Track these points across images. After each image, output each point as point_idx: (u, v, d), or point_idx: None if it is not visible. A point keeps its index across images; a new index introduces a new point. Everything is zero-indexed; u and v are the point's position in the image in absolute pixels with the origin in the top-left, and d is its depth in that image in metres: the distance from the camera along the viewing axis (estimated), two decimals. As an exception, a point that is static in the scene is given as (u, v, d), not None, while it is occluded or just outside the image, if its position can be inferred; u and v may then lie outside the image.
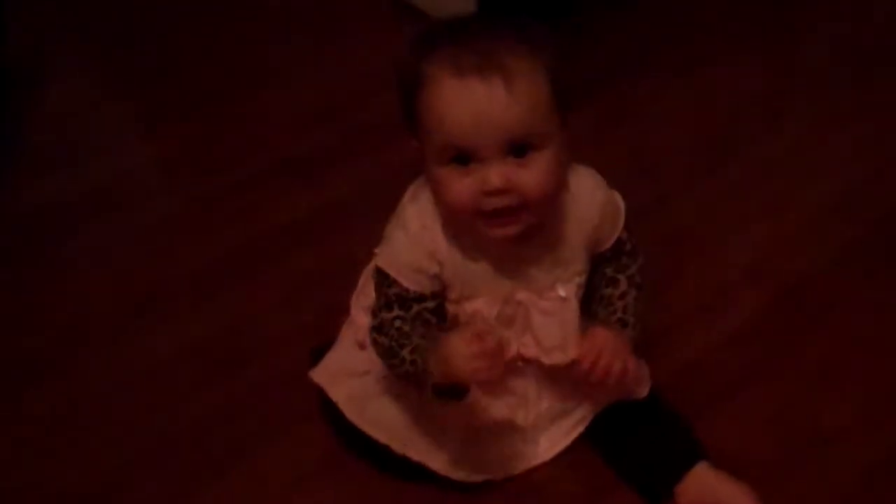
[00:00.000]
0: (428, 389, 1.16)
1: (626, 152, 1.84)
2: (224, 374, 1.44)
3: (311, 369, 1.33)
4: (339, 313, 1.35)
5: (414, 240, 1.14)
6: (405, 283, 1.15)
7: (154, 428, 1.37)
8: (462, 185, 1.08)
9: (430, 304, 1.16)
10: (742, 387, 1.42)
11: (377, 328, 1.18)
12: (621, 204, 1.22)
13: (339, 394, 1.29)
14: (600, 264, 1.23)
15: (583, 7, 2.17)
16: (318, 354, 1.35)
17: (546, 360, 1.20)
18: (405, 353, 1.14)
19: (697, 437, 1.29)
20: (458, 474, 1.26)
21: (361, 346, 1.26)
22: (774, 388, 1.43)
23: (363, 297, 1.28)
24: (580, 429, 1.30)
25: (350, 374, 1.28)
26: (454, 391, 1.15)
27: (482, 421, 1.22)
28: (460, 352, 1.07)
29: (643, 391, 1.28)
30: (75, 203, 1.76)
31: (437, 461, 1.25)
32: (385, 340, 1.16)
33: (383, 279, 1.17)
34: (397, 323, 1.15)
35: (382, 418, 1.26)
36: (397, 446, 1.25)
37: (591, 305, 1.23)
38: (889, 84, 2.02)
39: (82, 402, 1.41)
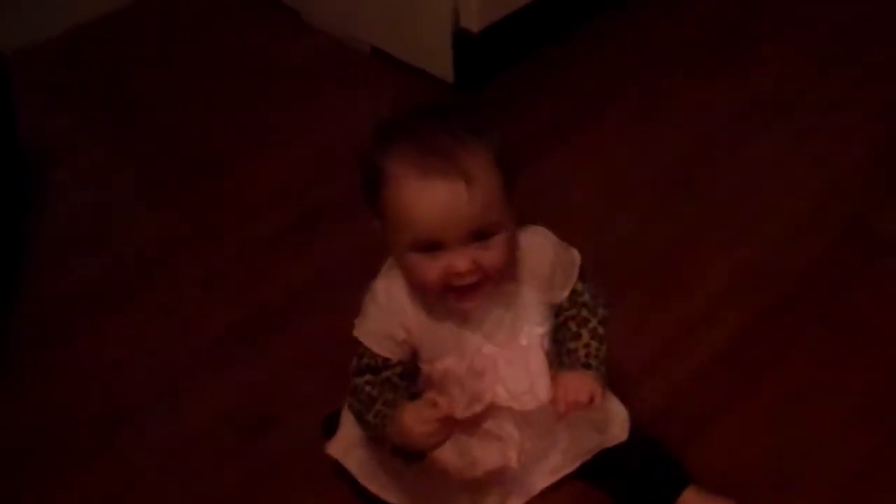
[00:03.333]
0: (388, 449, 1.28)
1: (600, 188, 1.92)
2: (245, 445, 1.52)
3: (326, 440, 1.43)
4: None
5: (383, 310, 1.26)
6: (376, 350, 1.26)
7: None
8: (431, 270, 1.18)
9: (398, 370, 1.27)
10: (729, 408, 1.52)
11: (352, 391, 1.29)
12: (577, 258, 1.31)
13: (351, 463, 1.40)
14: (565, 319, 1.32)
15: (547, 45, 2.23)
16: (329, 423, 1.45)
17: (517, 406, 1.30)
18: (370, 416, 1.25)
19: (681, 461, 1.39)
20: None
21: None
22: (761, 407, 1.52)
23: None
24: (569, 468, 1.40)
25: (360, 444, 1.39)
26: (412, 453, 1.27)
27: (478, 471, 1.33)
28: (409, 425, 1.18)
29: (623, 434, 1.39)
30: (97, 283, 1.80)
31: None
32: (356, 403, 1.28)
33: (357, 346, 1.28)
34: (367, 388, 1.26)
35: (395, 482, 1.38)
36: None
37: (560, 359, 1.32)
38: (847, 98, 2.10)
39: (113, 483, 1.49)
